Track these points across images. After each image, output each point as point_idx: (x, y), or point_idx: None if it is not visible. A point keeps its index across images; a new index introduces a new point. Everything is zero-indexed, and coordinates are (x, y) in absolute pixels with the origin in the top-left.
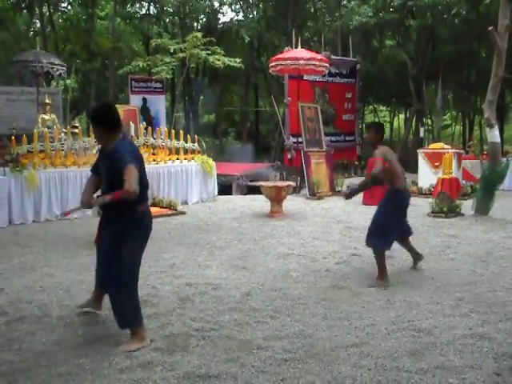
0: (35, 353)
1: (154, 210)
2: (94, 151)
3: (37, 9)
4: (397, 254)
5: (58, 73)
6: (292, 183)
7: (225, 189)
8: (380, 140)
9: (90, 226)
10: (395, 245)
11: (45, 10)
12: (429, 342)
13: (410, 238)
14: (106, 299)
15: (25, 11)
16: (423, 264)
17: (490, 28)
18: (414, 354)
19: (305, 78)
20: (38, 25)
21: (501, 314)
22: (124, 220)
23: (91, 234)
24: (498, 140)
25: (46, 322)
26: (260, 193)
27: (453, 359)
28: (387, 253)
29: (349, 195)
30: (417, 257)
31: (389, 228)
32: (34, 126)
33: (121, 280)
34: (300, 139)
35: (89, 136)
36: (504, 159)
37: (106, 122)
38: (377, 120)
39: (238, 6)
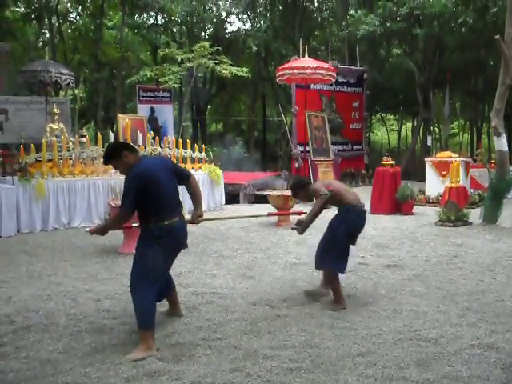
0: (42, 361)
1: None
2: (102, 160)
3: (46, 19)
4: (404, 263)
5: (66, 82)
6: None
7: (232, 198)
8: (308, 194)
9: (97, 236)
10: (401, 253)
11: (54, 20)
12: (436, 352)
13: (415, 247)
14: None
15: (34, 22)
16: (430, 273)
17: (497, 36)
18: (421, 363)
19: (312, 87)
20: (47, 35)
21: (509, 324)
22: (142, 233)
23: (98, 243)
24: (506, 148)
25: (53, 330)
26: (267, 202)
27: (460, 369)
28: (394, 263)
29: (303, 230)
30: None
31: (342, 248)
32: (42, 135)
33: (133, 279)
34: (307, 148)
35: (96, 145)
36: None
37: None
38: (385, 129)
39: (245, 16)
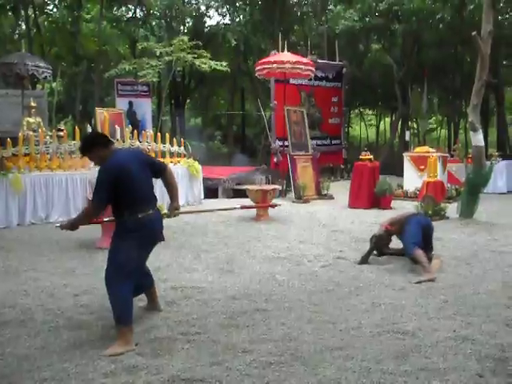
0: (19, 357)
1: None
2: (80, 154)
3: (22, 11)
4: (382, 257)
5: (43, 75)
6: (278, 187)
7: (211, 192)
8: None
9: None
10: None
11: (30, 12)
12: (413, 345)
13: (393, 242)
14: (96, 303)
15: (10, 13)
16: (408, 266)
17: (474, 33)
18: (399, 356)
19: (291, 81)
20: (24, 27)
21: (484, 317)
22: (116, 227)
23: (76, 238)
24: (482, 143)
25: (30, 326)
26: (246, 196)
27: (436, 361)
28: (372, 257)
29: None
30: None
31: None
32: (18, 128)
33: (108, 274)
34: (286, 143)
35: (74, 139)
36: (488, 162)
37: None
38: (363, 124)
39: (224, 10)
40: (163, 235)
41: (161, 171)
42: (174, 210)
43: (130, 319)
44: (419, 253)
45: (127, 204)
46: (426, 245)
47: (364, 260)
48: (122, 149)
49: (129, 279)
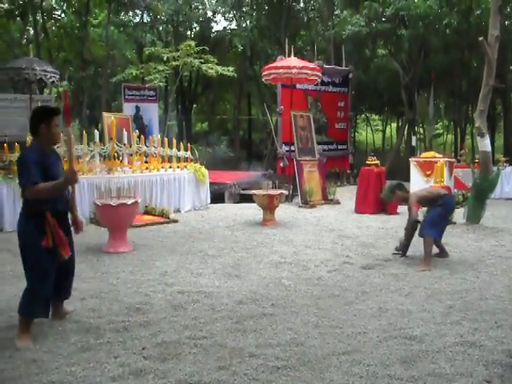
0: (26, 361)
1: (146, 218)
2: (87, 158)
3: (30, 16)
4: (388, 262)
5: (50, 80)
6: (284, 192)
7: (217, 197)
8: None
9: (84, 234)
10: (386, 252)
11: (38, 17)
12: (420, 350)
13: None
14: (102, 305)
15: (18, 18)
16: (415, 272)
17: (481, 38)
18: (406, 361)
19: (297, 86)
20: (32, 32)
21: (491, 322)
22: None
23: (83, 242)
24: (489, 149)
25: (38, 329)
26: (252, 201)
27: (444, 367)
28: (379, 262)
29: None
30: None
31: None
32: (26, 133)
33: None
34: (292, 148)
35: (81, 143)
36: (495, 168)
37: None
38: (370, 129)
39: (231, 15)
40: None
41: None
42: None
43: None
44: (430, 241)
45: (42, 199)
46: (443, 231)
47: (404, 249)
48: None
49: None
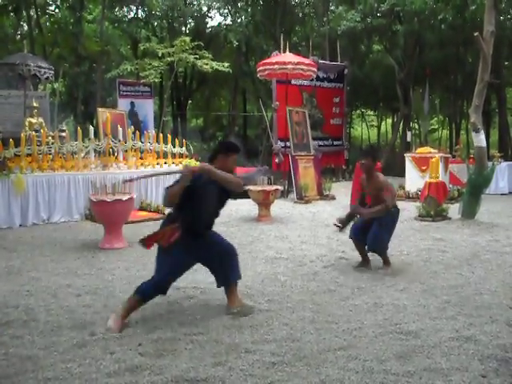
0: (22, 357)
1: (142, 214)
2: (82, 155)
3: (24, 12)
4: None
5: (45, 76)
6: (280, 187)
7: None
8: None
9: (77, 230)
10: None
11: (32, 12)
12: (416, 345)
13: (395, 242)
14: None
15: (12, 14)
16: (410, 267)
17: (476, 34)
18: (401, 356)
19: (293, 82)
20: (26, 28)
21: (486, 317)
22: None
23: (78, 238)
24: (484, 144)
25: (33, 326)
26: (248, 197)
27: (439, 361)
28: (374, 257)
29: None
30: None
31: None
32: (21, 129)
33: None
34: (288, 143)
35: (76, 140)
36: (490, 163)
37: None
38: (365, 124)
39: (226, 11)
40: None
41: None
42: None
43: None
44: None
45: None
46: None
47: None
48: None
49: None
